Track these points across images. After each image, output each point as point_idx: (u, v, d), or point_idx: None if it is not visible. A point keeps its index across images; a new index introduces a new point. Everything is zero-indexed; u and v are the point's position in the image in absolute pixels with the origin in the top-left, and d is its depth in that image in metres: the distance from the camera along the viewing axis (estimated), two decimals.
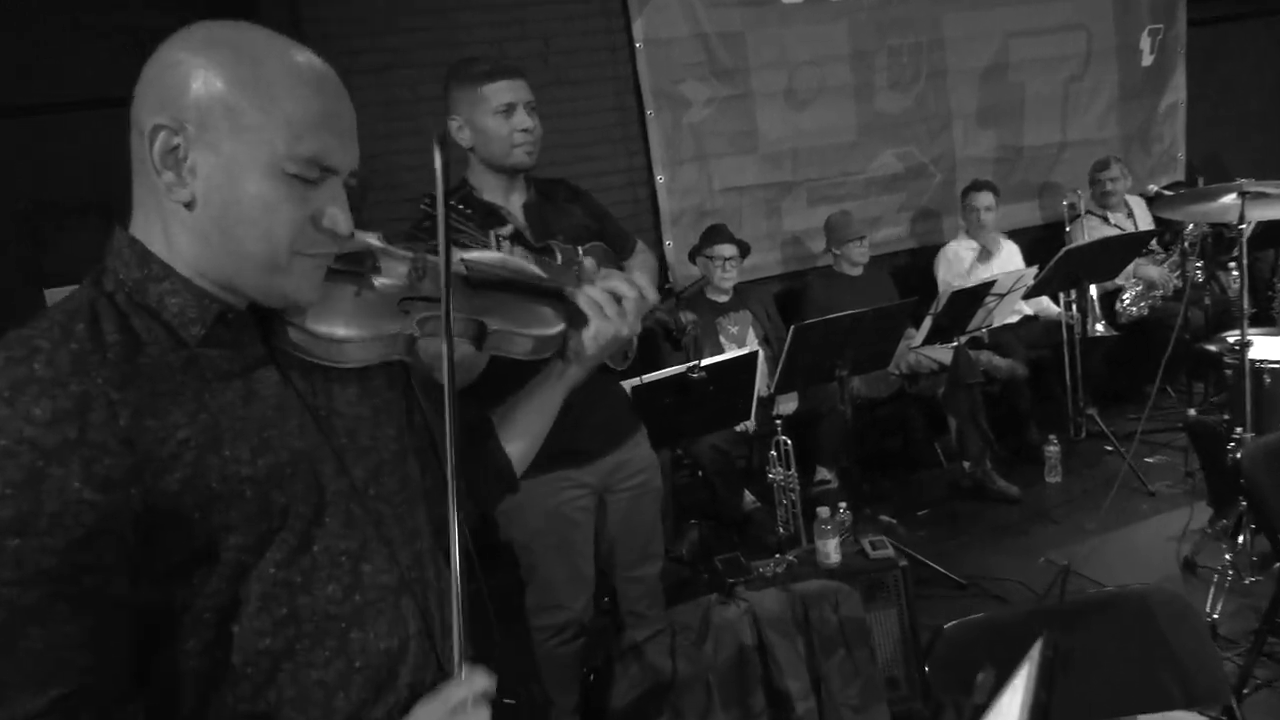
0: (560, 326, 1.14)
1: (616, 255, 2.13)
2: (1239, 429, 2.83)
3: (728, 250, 3.95)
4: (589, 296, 1.15)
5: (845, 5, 4.61)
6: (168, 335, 0.85)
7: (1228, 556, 2.87)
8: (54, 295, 3.66)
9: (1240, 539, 2.87)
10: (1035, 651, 0.92)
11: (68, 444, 0.75)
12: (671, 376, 2.74)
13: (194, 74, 0.83)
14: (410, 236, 1.98)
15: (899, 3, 4.71)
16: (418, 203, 1.51)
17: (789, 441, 3.39)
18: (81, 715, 0.76)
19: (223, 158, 0.83)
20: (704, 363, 3.01)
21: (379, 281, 1.00)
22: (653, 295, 1.20)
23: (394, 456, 1.00)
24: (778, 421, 3.43)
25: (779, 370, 3.25)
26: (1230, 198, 2.68)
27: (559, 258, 1.87)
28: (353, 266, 0.97)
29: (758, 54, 4.49)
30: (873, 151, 4.82)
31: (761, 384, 3.46)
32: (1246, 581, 2.85)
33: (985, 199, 4.48)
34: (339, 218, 0.89)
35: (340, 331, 0.93)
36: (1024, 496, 3.94)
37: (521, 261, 1.15)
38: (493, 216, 1.56)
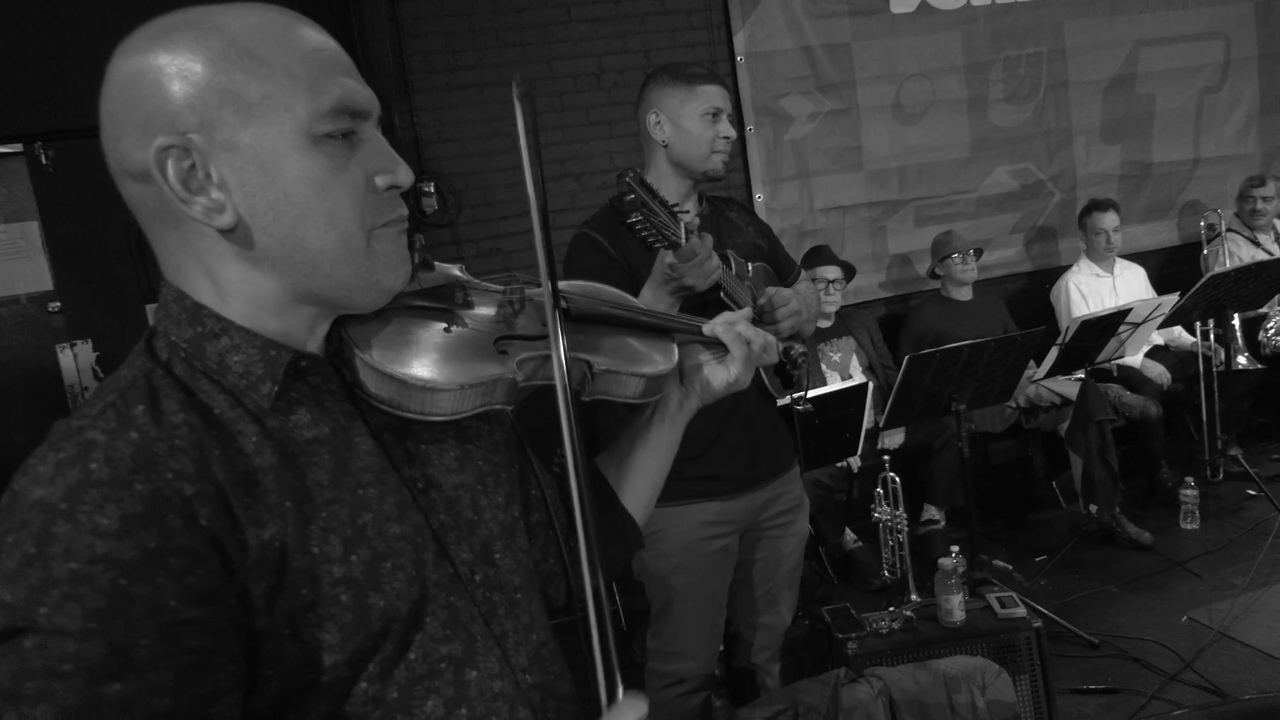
0: (674, 362, 0.99)
1: (779, 279, 2.01)
2: None
3: (831, 272, 3.74)
4: (735, 332, 1.01)
5: (959, 14, 4.36)
6: (235, 407, 0.70)
7: None
8: (152, 310, 3.71)
9: None
10: None
11: (148, 555, 0.60)
12: (779, 413, 2.55)
13: (166, 74, 0.67)
14: (599, 222, 1.90)
15: (1018, 11, 4.44)
16: (619, 181, 1.41)
17: (896, 479, 3.15)
18: None
19: (246, 152, 0.69)
20: (810, 394, 2.82)
21: (470, 318, 0.85)
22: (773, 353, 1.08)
23: (504, 531, 0.85)
24: (885, 457, 3.20)
25: (890, 403, 3.01)
26: None
27: (733, 267, 1.73)
28: (439, 302, 0.83)
29: (865, 67, 4.28)
30: (986, 168, 4.55)
31: (868, 416, 3.24)
32: None
33: (1111, 219, 4.16)
34: (395, 168, 0.74)
35: (434, 377, 0.78)
36: (1157, 544, 3.59)
37: (620, 294, 1.00)
38: (674, 213, 1.47)
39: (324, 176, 0.70)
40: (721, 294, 1.69)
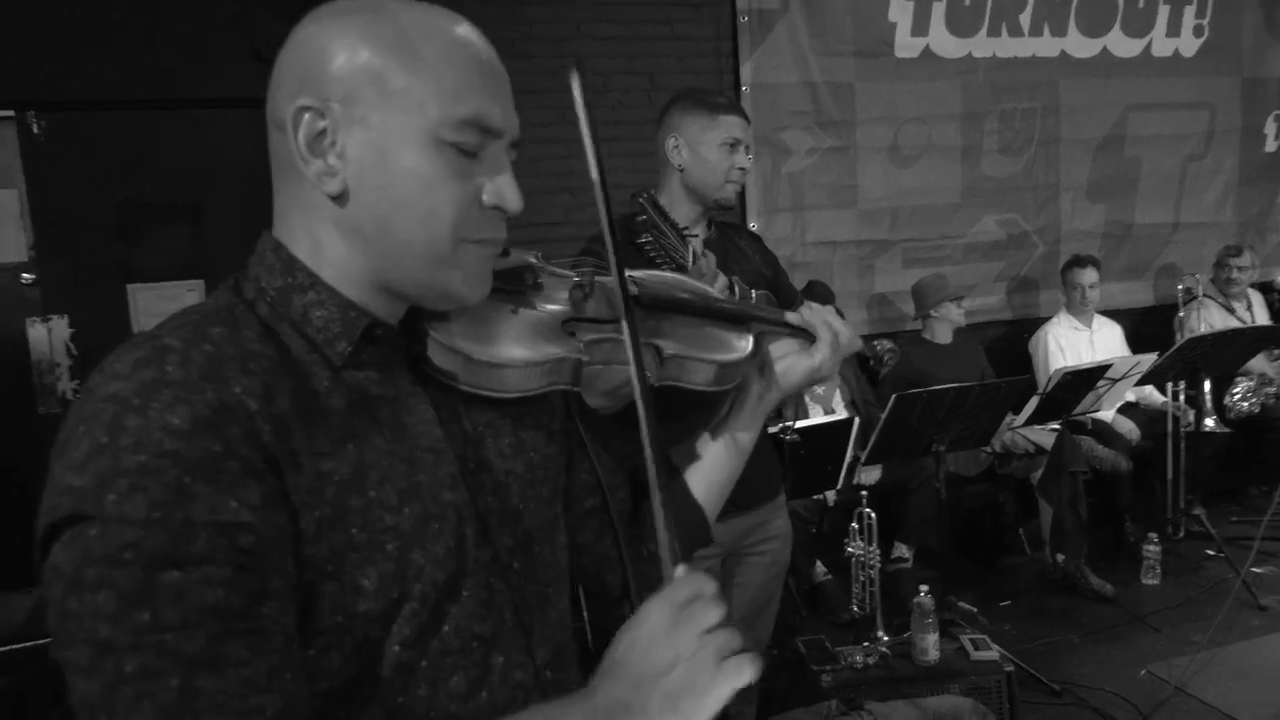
0: (748, 350, 0.99)
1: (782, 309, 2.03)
2: None
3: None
4: (822, 318, 1.02)
5: (961, 64, 4.46)
6: (311, 351, 0.73)
7: None
8: (135, 290, 3.65)
9: None
10: None
11: (212, 457, 0.62)
12: (770, 439, 2.57)
13: (333, 45, 0.72)
14: (623, 230, 1.92)
15: (1017, 66, 4.56)
16: (632, 201, 1.44)
17: (873, 515, 3.18)
18: None
19: (373, 132, 0.72)
20: (798, 424, 2.85)
21: (540, 301, 0.87)
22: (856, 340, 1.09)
23: (544, 526, 0.86)
24: (862, 492, 3.23)
25: (874, 440, 3.05)
26: None
27: (737, 294, 1.76)
28: (510, 284, 0.85)
29: (866, 107, 4.35)
30: (975, 216, 4.64)
31: (849, 452, 3.28)
32: None
33: (1091, 275, 4.26)
34: (505, 191, 0.76)
35: (500, 354, 0.79)
36: (1119, 597, 3.65)
37: (697, 283, 1.01)
38: (684, 236, 1.50)
39: (433, 178, 0.73)
40: None
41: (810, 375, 1.03)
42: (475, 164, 0.75)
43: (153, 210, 3.67)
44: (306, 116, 0.72)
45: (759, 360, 1.02)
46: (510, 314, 0.84)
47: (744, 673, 0.64)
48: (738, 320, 1.01)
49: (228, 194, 3.68)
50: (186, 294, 3.76)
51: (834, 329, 1.03)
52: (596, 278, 0.89)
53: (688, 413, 1.06)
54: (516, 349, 0.80)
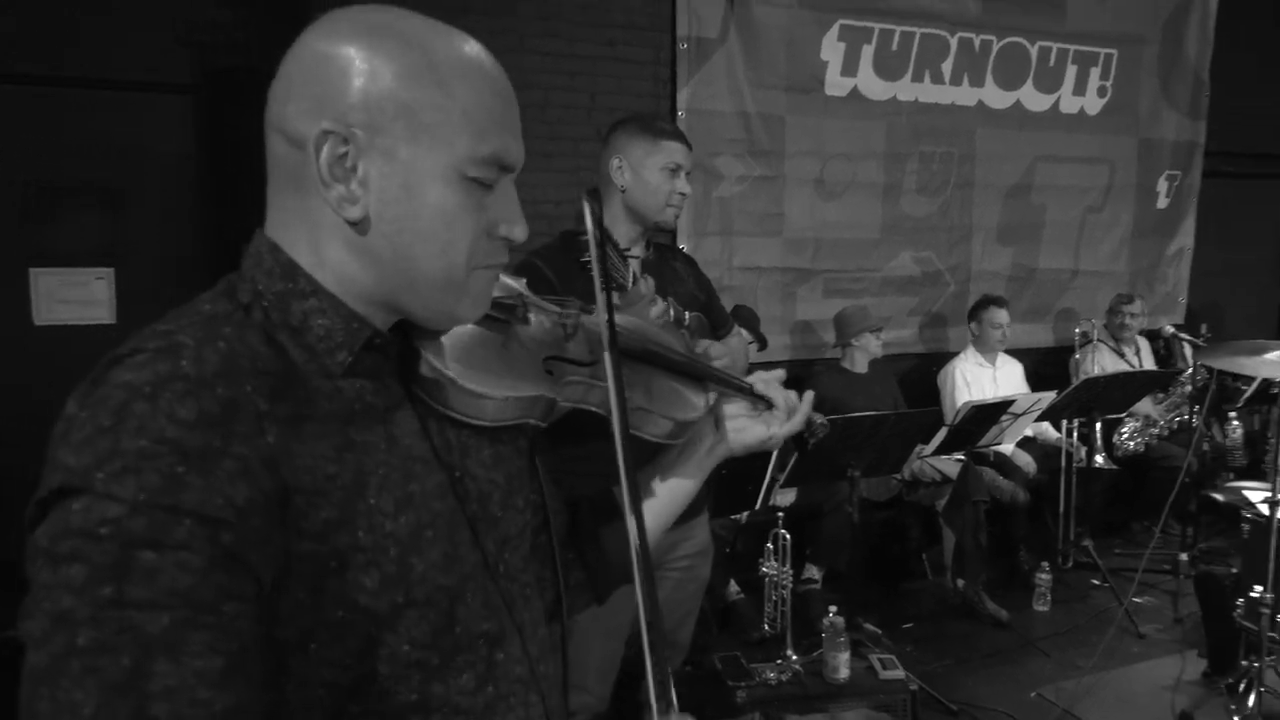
0: (704, 409, 1.03)
1: (713, 331, 2.07)
2: (1258, 588, 2.77)
3: (747, 337, 3.88)
4: (780, 391, 1.06)
5: (886, 105, 4.65)
6: (310, 359, 0.74)
7: (1236, 718, 2.78)
8: (37, 275, 3.48)
9: (1250, 700, 2.78)
10: None
11: (210, 452, 0.63)
12: None
13: (357, 69, 0.71)
14: (548, 254, 1.92)
15: (937, 112, 4.78)
16: (578, 222, 1.47)
17: (788, 536, 3.27)
18: None
19: (398, 164, 0.72)
20: None
21: (526, 334, 0.89)
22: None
23: (520, 532, 0.89)
24: (779, 514, 3.31)
25: (793, 463, 3.14)
26: (1275, 354, 2.66)
27: (671, 314, 1.79)
28: (502, 314, 0.86)
29: (795, 140, 4.49)
30: (892, 251, 4.83)
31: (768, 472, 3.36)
32: None
33: (1004, 315, 4.49)
34: (516, 225, 0.79)
35: (483, 385, 0.81)
36: (1013, 622, 3.84)
37: (667, 336, 1.04)
38: (625, 257, 1.53)
39: (456, 211, 0.74)
40: None
41: (763, 442, 1.08)
42: (489, 196, 0.77)
43: (62, 193, 3.51)
44: (330, 141, 0.71)
45: (713, 417, 1.06)
46: (498, 345, 0.85)
47: None
48: (700, 378, 1.04)
49: (148, 180, 3.56)
50: (95, 281, 3.60)
51: (790, 402, 1.07)
52: (581, 316, 0.92)
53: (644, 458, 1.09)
54: (499, 382, 0.82)
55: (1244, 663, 2.87)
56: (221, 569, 0.62)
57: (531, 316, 0.89)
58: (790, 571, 3.30)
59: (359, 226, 0.73)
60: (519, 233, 0.79)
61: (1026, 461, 4.34)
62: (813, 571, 4.00)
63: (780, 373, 1.11)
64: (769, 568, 3.33)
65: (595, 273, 0.82)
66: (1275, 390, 2.72)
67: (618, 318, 0.97)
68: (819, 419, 1.15)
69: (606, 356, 0.81)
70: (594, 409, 0.91)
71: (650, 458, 1.09)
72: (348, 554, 0.69)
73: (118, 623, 0.58)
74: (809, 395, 1.10)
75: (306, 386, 0.72)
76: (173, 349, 0.65)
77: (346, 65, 0.71)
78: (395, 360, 0.80)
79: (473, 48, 0.76)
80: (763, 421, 1.07)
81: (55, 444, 0.64)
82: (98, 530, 0.59)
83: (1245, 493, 3.18)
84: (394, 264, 0.74)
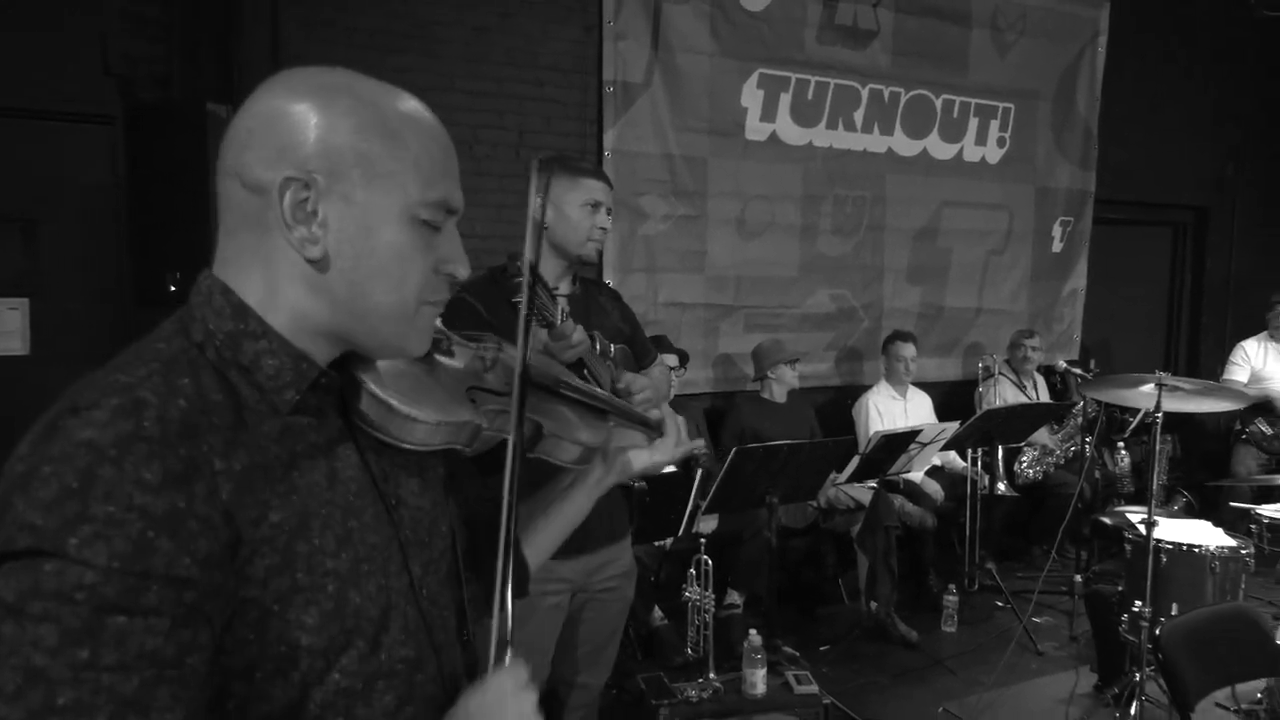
0: (604, 438, 1.14)
1: (637, 362, 2.18)
2: (1139, 603, 2.99)
3: (672, 359, 4.02)
4: (674, 420, 1.17)
5: (802, 150, 4.89)
6: (261, 399, 0.79)
7: None
8: None
9: (1133, 709, 2.99)
10: None
11: (176, 513, 0.67)
12: (620, 485, 2.72)
13: (313, 122, 0.79)
14: (477, 287, 2.00)
15: (850, 158, 5.04)
16: (511, 263, 1.57)
17: (710, 561, 3.38)
18: None
19: (356, 208, 0.80)
20: None
21: (450, 366, 0.98)
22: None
23: (441, 555, 0.96)
24: (701, 540, 3.43)
25: (714, 490, 3.27)
26: (1148, 387, 2.91)
27: (597, 347, 1.90)
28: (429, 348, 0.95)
29: (717, 181, 4.69)
30: (810, 289, 5.05)
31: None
32: None
33: (910, 350, 4.73)
34: (459, 264, 0.87)
35: (417, 409, 0.88)
36: (922, 643, 4.02)
37: (568, 372, 1.16)
38: (554, 295, 1.63)
39: (408, 250, 0.82)
40: (585, 371, 1.86)
41: (648, 468, 1.19)
42: (437, 237, 0.85)
43: None
44: (293, 188, 0.78)
45: (603, 450, 1.16)
46: (426, 375, 0.93)
47: None
48: (601, 410, 1.15)
49: (66, 210, 3.52)
50: (7, 311, 3.53)
51: (680, 431, 1.20)
52: (498, 351, 1.02)
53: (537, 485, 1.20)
54: (431, 408, 0.89)
55: (1126, 675, 3.09)
56: (184, 625, 0.67)
57: (454, 349, 0.99)
58: (712, 596, 3.41)
59: (318, 265, 0.80)
60: (463, 271, 0.88)
61: (935, 489, 4.57)
62: (734, 597, 4.12)
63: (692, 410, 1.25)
64: (691, 593, 3.43)
65: (524, 288, 0.92)
66: (1149, 421, 2.96)
67: (530, 355, 1.08)
68: (701, 447, 1.28)
69: (516, 380, 0.91)
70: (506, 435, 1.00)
71: (547, 482, 1.20)
72: (288, 595, 0.75)
73: (93, 684, 0.63)
74: (682, 420, 1.22)
75: (256, 430, 0.77)
76: (135, 406, 0.69)
77: (305, 119, 0.79)
78: (336, 397, 0.86)
79: (417, 105, 0.86)
80: (652, 449, 1.18)
81: (12, 491, 0.66)
82: (73, 595, 0.63)
83: (1128, 516, 3.43)
84: (349, 299, 0.81)
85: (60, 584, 0.63)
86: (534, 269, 1.62)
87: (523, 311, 0.93)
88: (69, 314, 3.50)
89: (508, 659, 0.86)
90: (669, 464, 1.21)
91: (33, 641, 0.63)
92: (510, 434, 0.92)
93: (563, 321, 1.67)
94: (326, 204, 0.79)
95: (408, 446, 0.89)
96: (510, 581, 0.88)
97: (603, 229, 2.13)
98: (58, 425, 0.68)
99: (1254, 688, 2.72)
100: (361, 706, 0.80)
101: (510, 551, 0.88)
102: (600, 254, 4.37)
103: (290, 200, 0.78)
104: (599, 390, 1.16)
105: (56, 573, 0.63)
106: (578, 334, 1.78)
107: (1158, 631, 2.18)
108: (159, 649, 0.66)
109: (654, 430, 1.18)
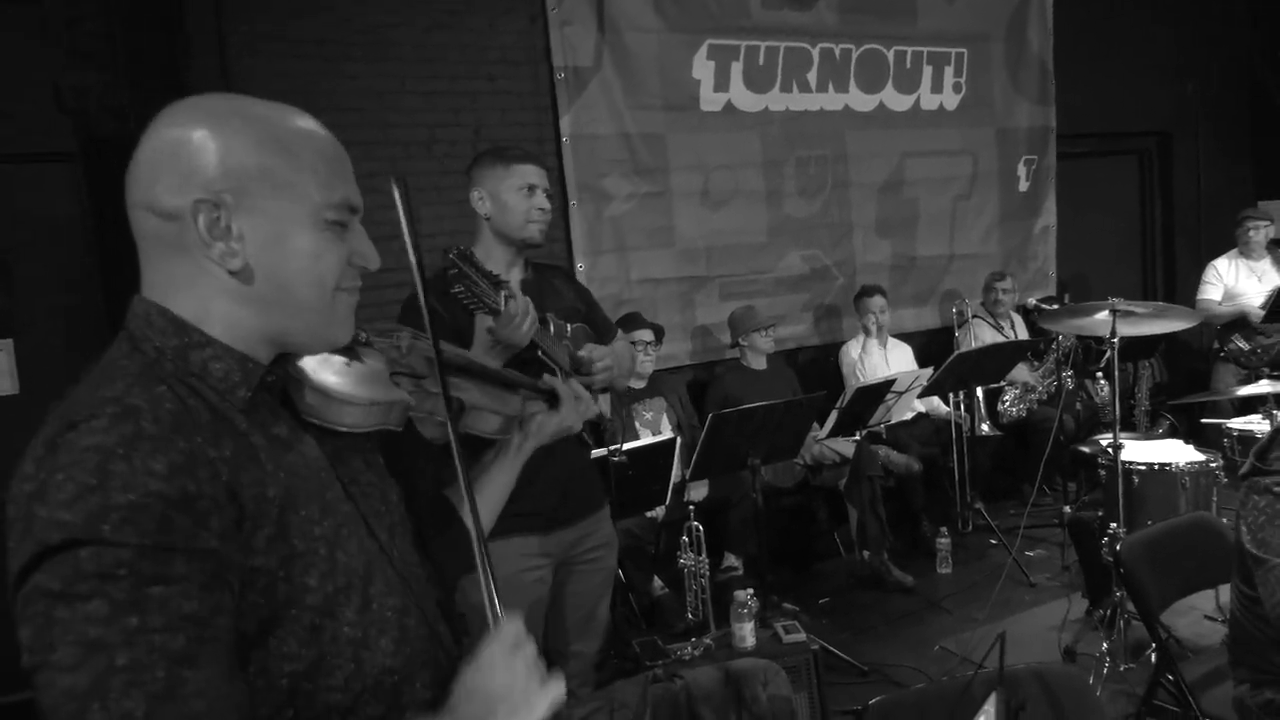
0: (518, 408, 1.25)
1: (598, 338, 2.25)
2: (1113, 525, 3.07)
3: (646, 335, 4.08)
4: (571, 388, 1.28)
5: (758, 117, 4.94)
6: (220, 400, 0.88)
7: (1105, 645, 3.09)
8: None
9: (1115, 629, 3.09)
10: (991, 708, 1.02)
11: (188, 496, 0.77)
12: (591, 461, 2.80)
13: (211, 146, 0.86)
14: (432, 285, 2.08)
15: (807, 119, 5.08)
16: (444, 257, 1.64)
17: (700, 527, 3.47)
18: None
19: (268, 218, 0.88)
20: (624, 447, 3.09)
21: (371, 355, 1.07)
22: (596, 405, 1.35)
23: (400, 522, 1.06)
24: (690, 507, 3.51)
25: (695, 457, 3.35)
26: (1103, 314, 2.98)
27: (552, 329, 1.97)
28: (349, 342, 1.04)
29: (677, 156, 4.74)
30: (781, 252, 5.11)
31: (675, 470, 3.56)
32: (1121, 669, 3.06)
33: (879, 302, 4.80)
34: (368, 253, 0.96)
35: (350, 392, 0.98)
36: (917, 586, 4.11)
37: (481, 358, 1.25)
38: (497, 282, 1.70)
39: (320, 249, 0.91)
40: (540, 352, 1.93)
41: (558, 430, 1.32)
42: (345, 234, 0.94)
43: None
44: (204, 209, 0.86)
45: (517, 420, 1.28)
46: (353, 365, 1.03)
47: (558, 688, 0.93)
48: (510, 386, 1.26)
49: (38, 249, 3.58)
50: None
51: (577, 394, 1.32)
52: (411, 340, 1.12)
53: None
54: (360, 389, 1.00)
55: (1112, 596, 3.18)
56: (212, 591, 0.77)
57: (373, 341, 1.09)
58: (706, 561, 3.50)
59: (241, 275, 0.89)
60: (373, 260, 0.97)
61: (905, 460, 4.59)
62: (731, 560, 4.22)
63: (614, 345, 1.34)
64: (686, 559, 3.52)
65: (420, 297, 1.00)
66: (1104, 348, 3.04)
67: (442, 345, 1.17)
68: (596, 408, 1.37)
69: (437, 359, 1.02)
70: (435, 416, 1.09)
71: (476, 460, 1.30)
72: (289, 561, 0.85)
73: (147, 644, 0.72)
74: (580, 387, 1.34)
75: (232, 426, 0.87)
76: (130, 412, 0.78)
77: (204, 144, 0.86)
78: (279, 395, 0.96)
79: (304, 117, 0.94)
80: (559, 413, 1.31)
81: (28, 503, 0.75)
82: (114, 572, 0.72)
83: (1100, 443, 3.51)
84: (275, 300, 0.90)
85: (99, 565, 0.72)
86: (470, 259, 1.69)
87: (421, 297, 1.00)
88: (53, 350, 3.58)
89: (494, 623, 0.94)
90: (577, 426, 1.32)
91: (85, 617, 0.71)
92: (442, 405, 1.03)
93: (506, 305, 1.74)
94: (239, 219, 0.87)
95: (344, 429, 0.99)
96: (483, 541, 0.97)
97: (541, 209, 2.19)
98: (58, 442, 0.77)
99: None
100: (365, 651, 0.91)
101: (476, 512, 0.98)
102: (568, 238, 4.46)
103: (204, 221, 0.86)
104: (504, 370, 1.26)
105: (94, 556, 0.72)
106: (521, 313, 1.83)
107: (1118, 548, 2.26)
108: (196, 611, 0.76)
109: (553, 397, 1.30)
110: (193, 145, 0.86)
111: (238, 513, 0.81)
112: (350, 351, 1.04)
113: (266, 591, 0.83)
